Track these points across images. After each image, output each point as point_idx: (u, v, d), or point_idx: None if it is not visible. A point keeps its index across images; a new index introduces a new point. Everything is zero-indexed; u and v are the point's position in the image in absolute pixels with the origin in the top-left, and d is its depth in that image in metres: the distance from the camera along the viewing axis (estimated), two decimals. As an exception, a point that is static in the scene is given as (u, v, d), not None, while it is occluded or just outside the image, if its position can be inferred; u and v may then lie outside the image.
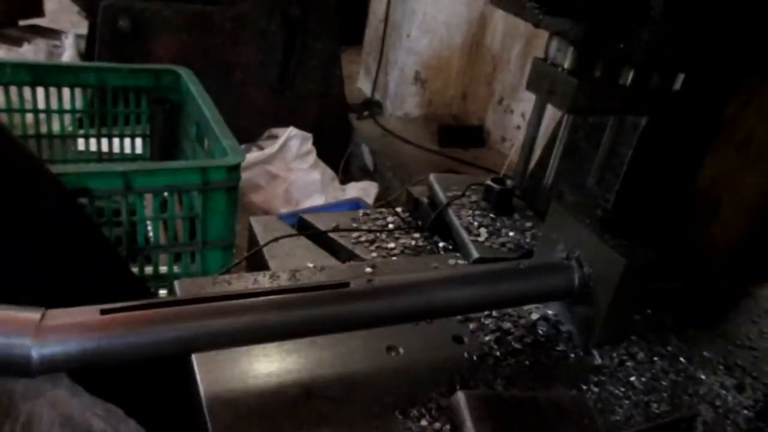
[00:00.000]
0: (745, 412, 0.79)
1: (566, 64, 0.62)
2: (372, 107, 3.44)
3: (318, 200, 2.73)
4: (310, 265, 0.92)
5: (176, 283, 0.77)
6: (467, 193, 1.06)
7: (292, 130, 2.81)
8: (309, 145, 2.86)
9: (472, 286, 0.73)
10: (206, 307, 0.59)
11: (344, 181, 3.05)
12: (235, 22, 2.79)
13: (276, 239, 0.94)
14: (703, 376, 0.83)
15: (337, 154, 3.14)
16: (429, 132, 3.25)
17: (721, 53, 0.57)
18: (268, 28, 2.85)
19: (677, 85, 0.64)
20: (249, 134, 2.85)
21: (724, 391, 0.82)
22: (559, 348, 0.82)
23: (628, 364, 0.81)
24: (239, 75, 2.88)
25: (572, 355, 0.81)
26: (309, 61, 2.98)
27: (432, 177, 1.09)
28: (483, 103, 3.31)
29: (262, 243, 0.95)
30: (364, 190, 2.89)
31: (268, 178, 2.72)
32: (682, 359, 0.86)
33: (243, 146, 2.77)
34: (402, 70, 3.37)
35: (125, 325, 0.55)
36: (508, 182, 1.03)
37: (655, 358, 0.84)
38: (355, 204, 2.55)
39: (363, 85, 3.78)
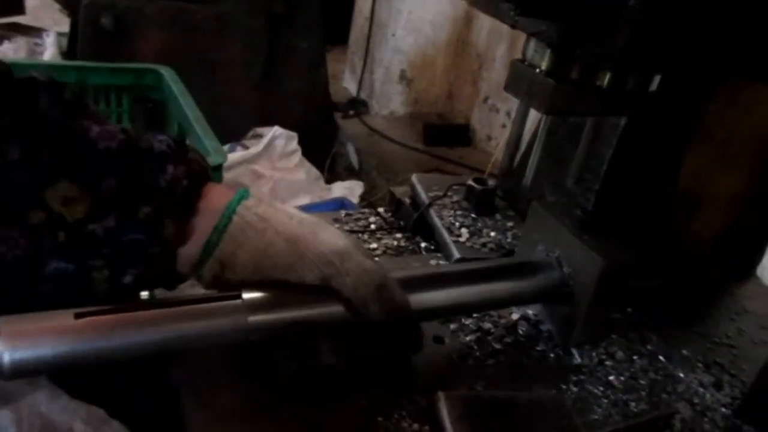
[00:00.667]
0: (723, 409, 0.80)
1: (543, 66, 0.62)
2: (357, 106, 3.44)
3: (303, 199, 2.72)
4: (291, 266, 0.91)
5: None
6: (449, 194, 1.06)
7: (277, 130, 2.79)
8: (294, 145, 2.85)
9: (451, 288, 0.73)
10: (182, 310, 0.59)
11: (330, 180, 3.04)
12: (219, 20, 2.77)
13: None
14: (681, 374, 0.84)
15: (322, 153, 3.14)
16: (415, 131, 3.25)
17: (697, 56, 0.58)
18: (252, 26, 2.84)
19: (654, 86, 0.64)
20: (233, 133, 2.84)
21: (702, 389, 0.82)
22: (539, 348, 0.82)
23: (608, 363, 0.82)
24: (223, 74, 2.86)
25: (552, 355, 0.82)
26: (294, 59, 2.97)
27: (414, 177, 1.09)
28: (469, 102, 3.32)
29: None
30: (350, 189, 2.88)
31: (252, 178, 2.70)
32: (661, 358, 0.86)
33: (227, 145, 2.76)
34: (387, 69, 3.36)
35: (99, 330, 0.55)
36: (490, 182, 1.03)
37: (635, 357, 0.85)
38: (340, 203, 2.54)
39: (348, 84, 3.77)
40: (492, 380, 0.75)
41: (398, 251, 1.02)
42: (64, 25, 2.93)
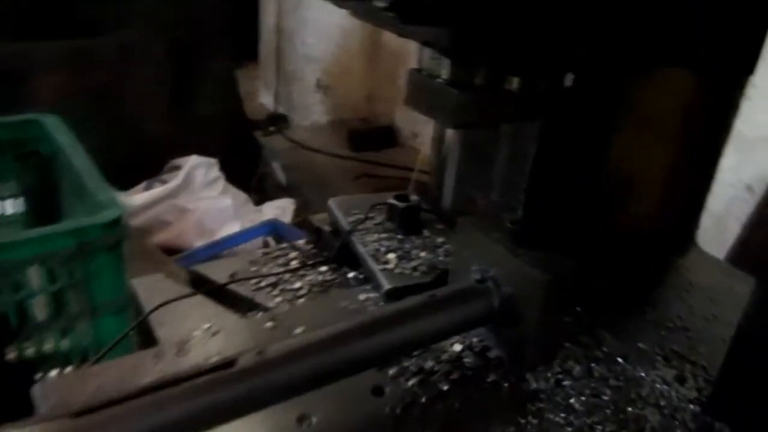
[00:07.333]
0: (691, 407, 0.75)
1: (444, 74, 0.54)
2: (278, 121, 3.35)
3: (234, 227, 2.60)
4: (206, 326, 0.81)
5: (36, 387, 0.65)
6: (371, 215, 0.98)
7: (194, 159, 2.67)
8: (216, 171, 2.73)
9: (381, 333, 0.64)
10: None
11: (259, 201, 2.93)
12: (121, 53, 2.63)
13: (158, 307, 0.83)
14: (642, 374, 0.79)
15: (247, 175, 3.03)
16: (339, 138, 3.21)
17: (604, 54, 0.51)
18: (156, 54, 2.71)
19: (568, 82, 0.58)
20: (149, 169, 2.70)
21: (666, 387, 0.78)
22: (489, 378, 0.74)
23: (566, 383, 0.75)
24: (130, 107, 2.71)
25: (505, 384, 0.74)
26: (203, 83, 2.85)
27: (331, 202, 1.01)
28: (390, 103, 3.29)
29: (147, 309, 0.84)
30: (281, 208, 2.78)
31: (176, 213, 2.57)
32: (619, 359, 0.81)
33: (144, 183, 2.62)
34: (302, 80, 3.30)
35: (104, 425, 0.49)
36: (412, 198, 0.96)
37: (592, 365, 0.79)
38: (272, 226, 2.45)
39: (265, 100, 3.68)
40: (443, 428, 0.67)
41: (324, 287, 0.92)
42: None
